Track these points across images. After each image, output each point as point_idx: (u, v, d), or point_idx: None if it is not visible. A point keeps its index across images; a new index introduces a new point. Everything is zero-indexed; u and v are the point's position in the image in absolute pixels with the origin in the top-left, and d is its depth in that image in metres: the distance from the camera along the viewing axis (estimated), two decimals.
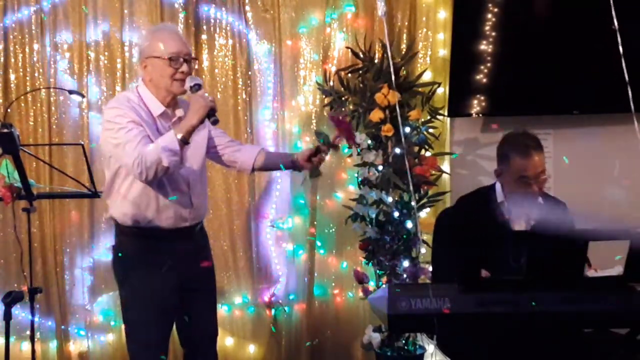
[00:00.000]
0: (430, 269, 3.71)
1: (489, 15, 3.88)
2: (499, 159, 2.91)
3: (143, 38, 2.73)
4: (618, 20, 3.20)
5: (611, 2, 2.52)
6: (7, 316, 2.89)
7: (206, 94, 2.59)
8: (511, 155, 2.81)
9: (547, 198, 2.93)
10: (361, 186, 3.80)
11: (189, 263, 2.74)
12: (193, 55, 2.81)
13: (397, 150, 3.73)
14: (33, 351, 3.06)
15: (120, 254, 2.75)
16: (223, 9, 3.99)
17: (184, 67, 2.63)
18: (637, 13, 3.60)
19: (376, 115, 3.65)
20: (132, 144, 2.50)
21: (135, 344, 2.73)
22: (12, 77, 3.90)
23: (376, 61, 3.81)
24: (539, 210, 2.84)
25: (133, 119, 2.56)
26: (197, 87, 2.58)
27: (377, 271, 3.77)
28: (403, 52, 3.92)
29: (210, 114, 2.53)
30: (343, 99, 3.86)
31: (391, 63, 3.34)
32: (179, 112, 2.70)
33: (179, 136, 2.47)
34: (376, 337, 3.72)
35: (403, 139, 3.62)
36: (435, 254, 3.14)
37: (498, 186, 2.93)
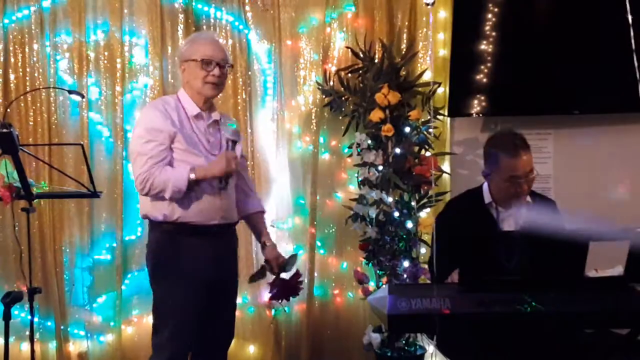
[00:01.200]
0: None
1: (489, 15, 3.88)
2: (487, 160, 2.88)
3: (184, 44, 2.90)
4: (618, 19, 3.20)
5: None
6: (7, 316, 2.88)
7: (236, 154, 2.72)
8: (499, 156, 2.79)
9: (535, 197, 2.92)
10: (361, 186, 3.79)
11: (217, 263, 2.79)
12: (230, 62, 2.87)
13: (397, 150, 3.72)
14: (32, 351, 3.05)
15: (151, 250, 2.81)
16: (223, 8, 3.98)
17: (216, 71, 2.73)
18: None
19: (376, 115, 3.64)
20: (143, 157, 2.63)
21: (162, 338, 2.75)
22: (12, 77, 3.89)
23: (376, 61, 3.81)
24: (529, 211, 2.83)
25: (157, 127, 2.66)
26: (232, 144, 2.72)
27: (377, 271, 3.77)
28: (403, 52, 3.92)
29: (225, 176, 2.68)
30: (343, 98, 3.86)
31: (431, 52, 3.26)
32: (215, 115, 2.83)
33: (192, 177, 2.62)
34: (376, 338, 3.72)
35: (431, 132, 3.61)
36: (430, 255, 3.15)
37: (485, 187, 2.92)
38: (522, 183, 2.77)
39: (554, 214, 2.88)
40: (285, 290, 2.95)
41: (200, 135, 2.75)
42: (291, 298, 3.01)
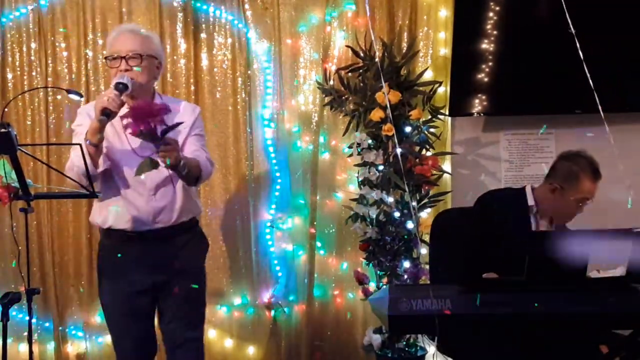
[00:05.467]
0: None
1: (490, 14, 3.86)
2: (566, 176, 2.94)
3: None
4: (617, 20, 3.18)
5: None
6: (4, 317, 2.87)
7: (116, 92, 2.45)
8: (582, 176, 2.91)
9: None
10: (361, 186, 3.77)
11: (157, 268, 2.69)
12: (144, 52, 2.62)
13: (398, 150, 3.70)
14: (31, 352, 3.02)
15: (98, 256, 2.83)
16: (222, 7, 3.96)
17: (122, 65, 2.58)
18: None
19: (376, 114, 3.62)
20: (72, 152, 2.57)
21: (113, 342, 2.83)
22: (10, 76, 3.88)
23: (376, 60, 3.79)
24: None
25: (81, 123, 2.64)
26: (121, 87, 2.46)
27: (378, 272, 3.75)
28: (404, 51, 3.90)
29: (103, 113, 2.39)
30: (343, 98, 3.84)
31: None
32: None
33: (82, 138, 2.48)
34: (377, 339, 3.70)
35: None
36: (436, 254, 3.12)
37: (528, 190, 3.01)
38: (582, 206, 2.91)
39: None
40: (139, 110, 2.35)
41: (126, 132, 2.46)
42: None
